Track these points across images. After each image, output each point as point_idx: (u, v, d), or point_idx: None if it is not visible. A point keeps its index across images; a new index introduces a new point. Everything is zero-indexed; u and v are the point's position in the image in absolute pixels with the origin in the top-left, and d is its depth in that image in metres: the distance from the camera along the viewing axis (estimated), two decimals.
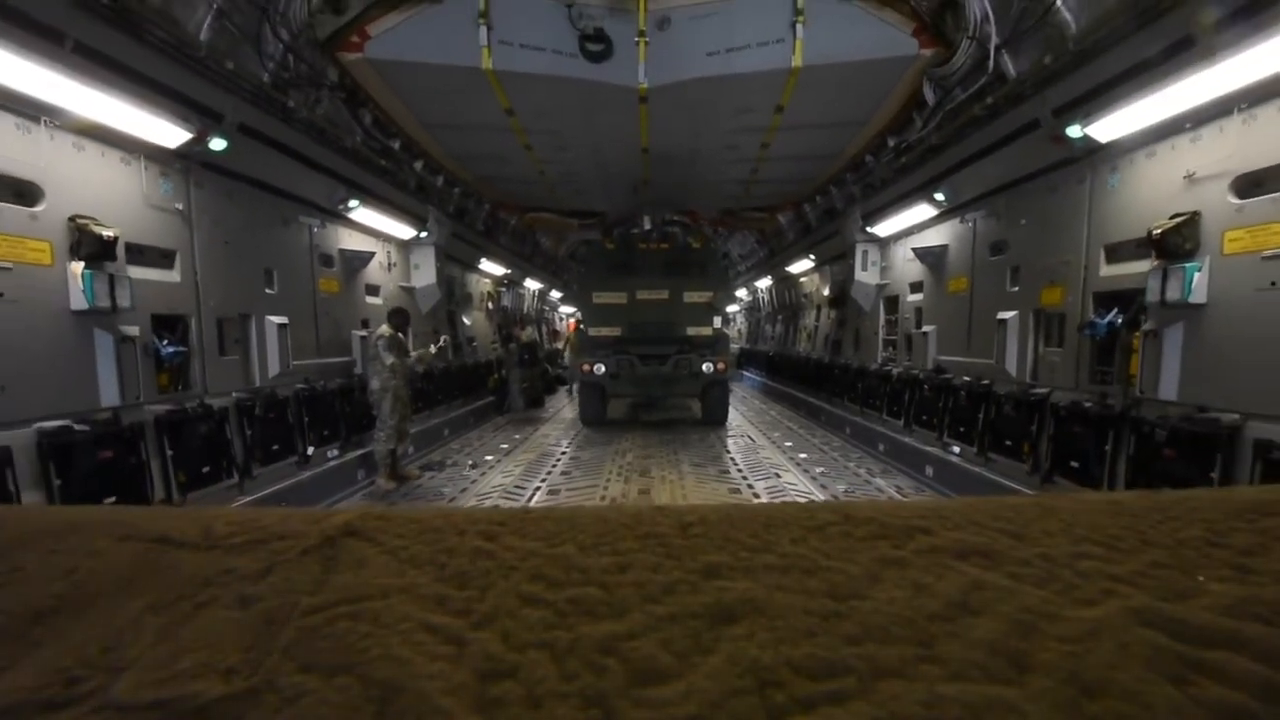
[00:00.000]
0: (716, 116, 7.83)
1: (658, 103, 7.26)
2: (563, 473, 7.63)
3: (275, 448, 5.78)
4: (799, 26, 6.34)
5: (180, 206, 4.89)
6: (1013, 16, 5.28)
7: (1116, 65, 4.36)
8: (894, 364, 8.85)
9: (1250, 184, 3.74)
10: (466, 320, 12.26)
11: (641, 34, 6.58)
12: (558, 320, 24.58)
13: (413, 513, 1.07)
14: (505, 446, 9.34)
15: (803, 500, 6.30)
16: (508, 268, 14.04)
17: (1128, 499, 1.07)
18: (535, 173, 10.21)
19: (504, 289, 15.47)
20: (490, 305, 14.27)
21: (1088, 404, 4.77)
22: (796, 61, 6.47)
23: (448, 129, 8.18)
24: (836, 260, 11.05)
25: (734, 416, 11.90)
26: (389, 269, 8.71)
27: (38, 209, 3.79)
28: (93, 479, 3.92)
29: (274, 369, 5.92)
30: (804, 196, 12.03)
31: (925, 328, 7.76)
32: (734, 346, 20.67)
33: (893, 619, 0.71)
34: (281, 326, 6.00)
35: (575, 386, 14.52)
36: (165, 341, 4.70)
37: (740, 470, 7.65)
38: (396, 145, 8.11)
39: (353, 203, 7.09)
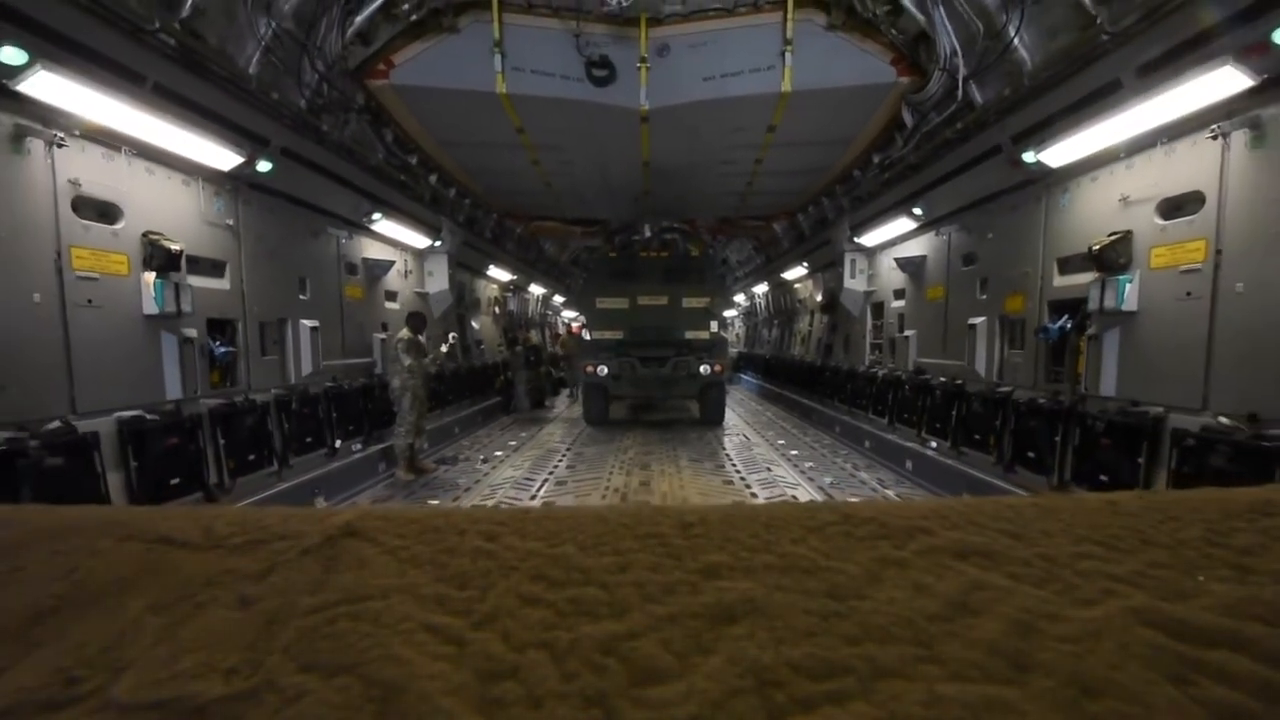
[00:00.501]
0: (713, 135, 8.41)
1: (658, 122, 7.84)
2: (568, 466, 8.18)
3: (309, 440, 6.34)
4: (788, 55, 6.92)
5: (230, 222, 5.46)
6: (978, 51, 5.86)
7: (1064, 100, 4.94)
8: (880, 366, 9.41)
9: (1172, 207, 4.31)
10: (475, 324, 12.84)
11: (643, 60, 7.16)
12: (560, 325, 25.14)
13: (413, 513, 1.07)
14: (513, 443, 9.89)
15: (792, 491, 6.86)
16: (514, 274, 14.63)
17: (1127, 499, 1.07)
18: (542, 185, 10.80)
19: (510, 294, 16.06)
20: (497, 309, 14.86)
21: (1042, 400, 5.32)
22: (786, 86, 7.05)
23: (462, 146, 8.76)
24: (828, 268, 11.62)
25: (731, 417, 12.45)
26: (405, 276, 9.29)
27: (118, 226, 4.37)
28: (161, 462, 4.48)
29: (306, 368, 6.48)
30: (797, 207, 12.61)
31: (907, 332, 8.33)
32: (732, 351, 21.25)
33: (893, 619, 0.71)
34: (313, 329, 6.57)
35: (575, 390, 15.12)
36: (218, 342, 5.27)
37: (735, 466, 8.20)
38: (414, 161, 8.70)
39: (376, 215, 7.67)
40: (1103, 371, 4.78)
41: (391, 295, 8.88)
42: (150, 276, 4.52)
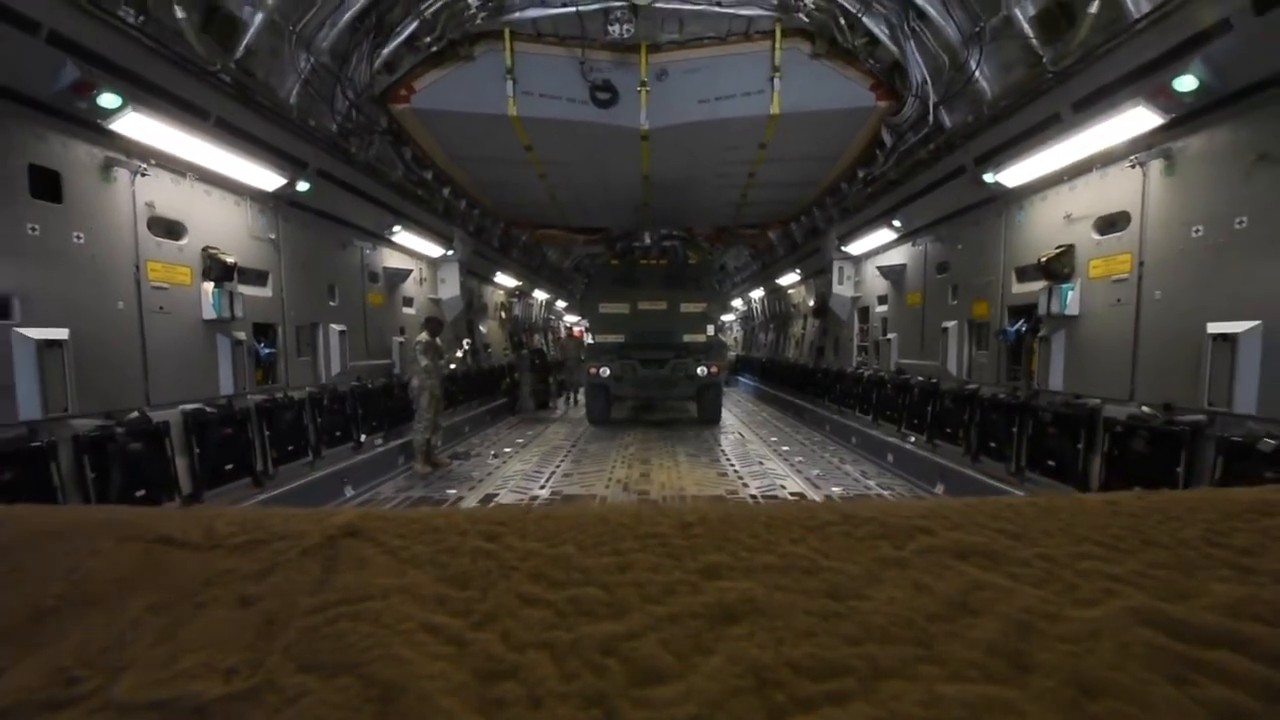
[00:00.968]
0: (708, 152, 9.05)
1: (657, 141, 8.48)
2: (573, 460, 8.77)
3: (337, 434, 6.94)
4: (776, 80, 7.57)
5: (272, 236, 6.08)
6: (945, 81, 6.48)
7: (1017, 127, 5.55)
8: (866, 368, 10.02)
9: (1106, 224, 4.92)
10: (483, 328, 13.47)
11: (643, 84, 7.80)
12: (562, 329, 25.77)
13: (413, 513, 1.07)
14: (520, 441, 10.49)
15: (781, 482, 7.45)
16: (519, 280, 15.27)
17: (1127, 499, 1.07)
18: (547, 197, 11.46)
19: (515, 299, 16.69)
20: (503, 314, 15.49)
21: (1002, 396, 5.92)
22: (775, 109, 7.69)
23: (474, 161, 9.41)
24: (819, 274, 12.24)
25: (727, 417, 13.05)
26: (421, 283, 9.91)
27: (183, 242, 4.99)
28: (218, 450, 5.08)
29: (335, 368, 7.10)
30: (790, 216, 13.26)
31: (889, 335, 8.95)
32: (731, 354, 21.87)
33: (893, 619, 0.71)
34: (341, 333, 7.19)
35: (572, 395, 15.74)
36: (262, 344, 5.88)
37: (729, 460, 8.79)
38: (429, 176, 9.34)
39: (396, 228, 8.30)
40: (1051, 369, 5.38)
41: (408, 301, 9.50)
42: (209, 286, 5.14)
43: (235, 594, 0.80)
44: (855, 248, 9.95)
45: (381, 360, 8.46)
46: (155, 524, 1.03)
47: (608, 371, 11.34)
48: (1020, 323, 5.81)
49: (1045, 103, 5.13)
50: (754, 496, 6.87)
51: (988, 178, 5.87)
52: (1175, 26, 3.89)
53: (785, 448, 9.75)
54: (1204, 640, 0.65)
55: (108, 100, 3.99)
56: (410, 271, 9.24)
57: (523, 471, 8.16)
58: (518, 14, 7.13)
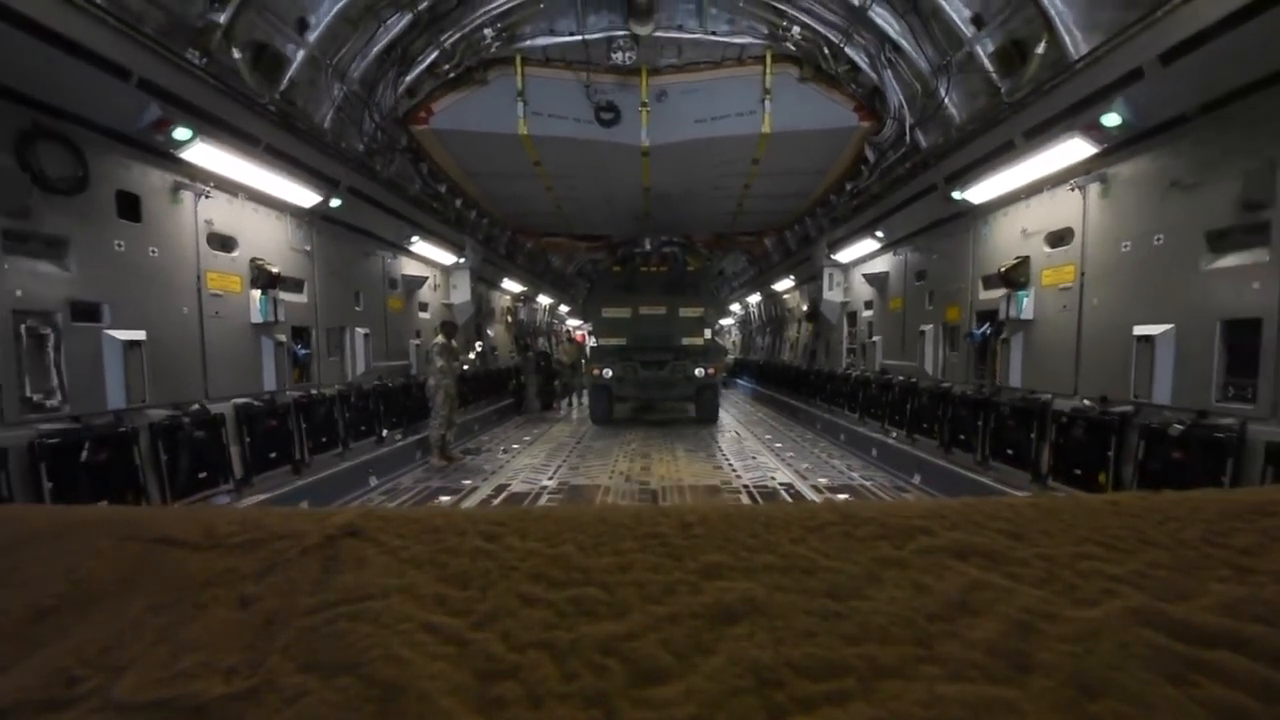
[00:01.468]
0: (705, 166, 9.69)
1: (657, 156, 9.12)
2: (579, 455, 9.37)
3: (362, 428, 7.54)
4: (767, 102, 8.20)
5: (308, 248, 6.70)
6: (919, 106, 7.11)
7: (980, 151, 6.16)
8: (854, 369, 10.62)
9: (1056, 239, 5.53)
10: (490, 332, 14.09)
11: (644, 105, 8.44)
12: (565, 333, 26.37)
13: (413, 513, 1.07)
14: (528, 438, 11.09)
15: (771, 474, 8.04)
16: (524, 285, 15.90)
17: (1127, 499, 1.07)
18: (553, 207, 12.11)
19: (521, 304, 17.33)
20: (510, 318, 16.12)
21: (969, 392, 6.52)
22: (766, 128, 8.32)
23: (486, 176, 10.07)
24: (811, 280, 12.85)
25: (724, 418, 13.66)
26: (435, 289, 10.54)
27: (234, 254, 5.61)
28: (264, 440, 5.69)
29: (360, 368, 7.71)
30: (784, 225, 13.90)
31: (874, 338, 9.55)
32: (729, 357, 22.48)
33: (892, 619, 0.71)
34: (365, 336, 7.80)
35: (573, 398, 16.33)
36: (299, 346, 6.49)
37: (725, 455, 9.38)
38: (443, 189, 9.98)
39: (414, 238, 8.93)
40: (1011, 368, 5.98)
41: (423, 306, 10.13)
42: (256, 293, 5.75)
43: (235, 594, 0.80)
44: (843, 256, 10.56)
45: (399, 361, 9.07)
46: (155, 524, 1.03)
47: (610, 373, 11.95)
48: (986, 326, 6.42)
49: (1003, 129, 5.74)
50: (746, 487, 7.46)
51: (956, 195, 6.48)
52: (1103, 69, 4.50)
53: (778, 444, 10.34)
54: (1204, 640, 0.64)
55: (180, 133, 4.61)
56: (426, 278, 9.87)
57: (532, 465, 8.76)
58: (529, 42, 7.79)
